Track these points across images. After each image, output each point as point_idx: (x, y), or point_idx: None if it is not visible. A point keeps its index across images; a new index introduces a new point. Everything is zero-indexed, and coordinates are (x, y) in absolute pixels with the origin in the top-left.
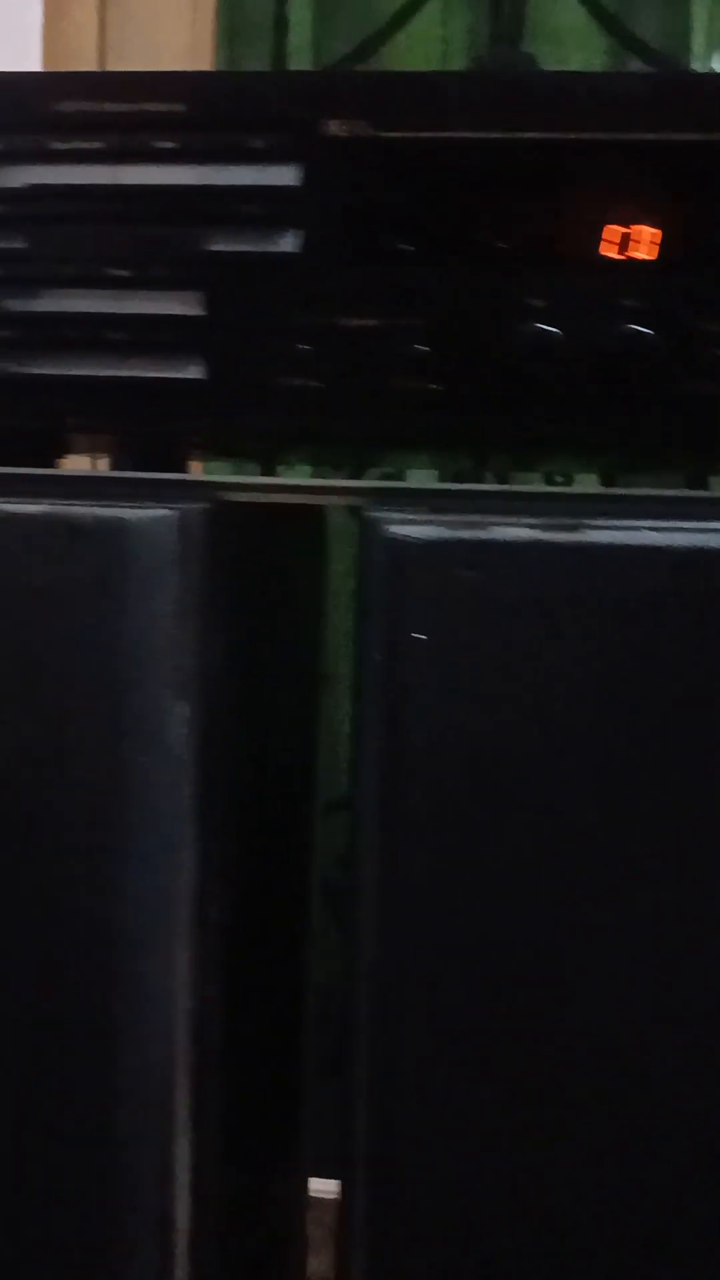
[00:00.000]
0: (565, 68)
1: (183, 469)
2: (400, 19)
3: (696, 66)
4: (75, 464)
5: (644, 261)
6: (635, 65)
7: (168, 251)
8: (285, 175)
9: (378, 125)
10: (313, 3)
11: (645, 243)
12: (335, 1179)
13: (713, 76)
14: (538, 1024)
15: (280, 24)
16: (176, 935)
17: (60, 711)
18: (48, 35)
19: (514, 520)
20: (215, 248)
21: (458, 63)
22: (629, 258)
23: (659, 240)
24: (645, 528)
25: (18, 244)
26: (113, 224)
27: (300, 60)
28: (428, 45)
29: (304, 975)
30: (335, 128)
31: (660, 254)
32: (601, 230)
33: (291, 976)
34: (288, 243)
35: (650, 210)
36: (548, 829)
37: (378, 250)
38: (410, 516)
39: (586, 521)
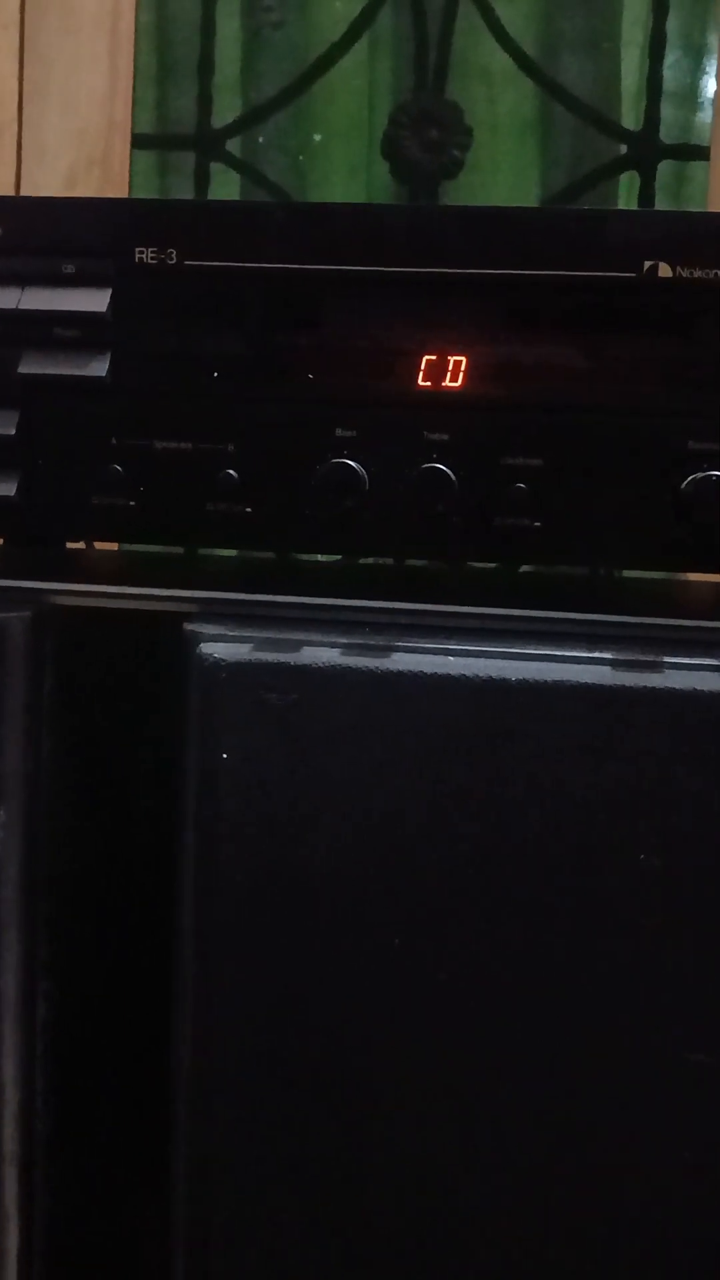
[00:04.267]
0: (495, 110)
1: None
2: (325, 62)
3: (626, 113)
4: None
5: (449, 397)
6: (561, 110)
7: None
8: (97, 300)
9: (185, 253)
10: (240, 44)
11: (451, 375)
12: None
13: (515, 211)
14: (341, 1130)
15: (206, 64)
16: (2, 1034)
17: None
18: None
19: (326, 640)
20: (28, 370)
21: (383, 106)
22: (436, 390)
23: (464, 374)
24: (450, 652)
25: None
26: None
27: (228, 101)
28: (353, 89)
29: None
30: (144, 255)
31: (465, 386)
32: (408, 361)
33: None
34: (99, 366)
35: (455, 343)
36: (356, 955)
37: (186, 377)
38: (225, 633)
39: (398, 644)
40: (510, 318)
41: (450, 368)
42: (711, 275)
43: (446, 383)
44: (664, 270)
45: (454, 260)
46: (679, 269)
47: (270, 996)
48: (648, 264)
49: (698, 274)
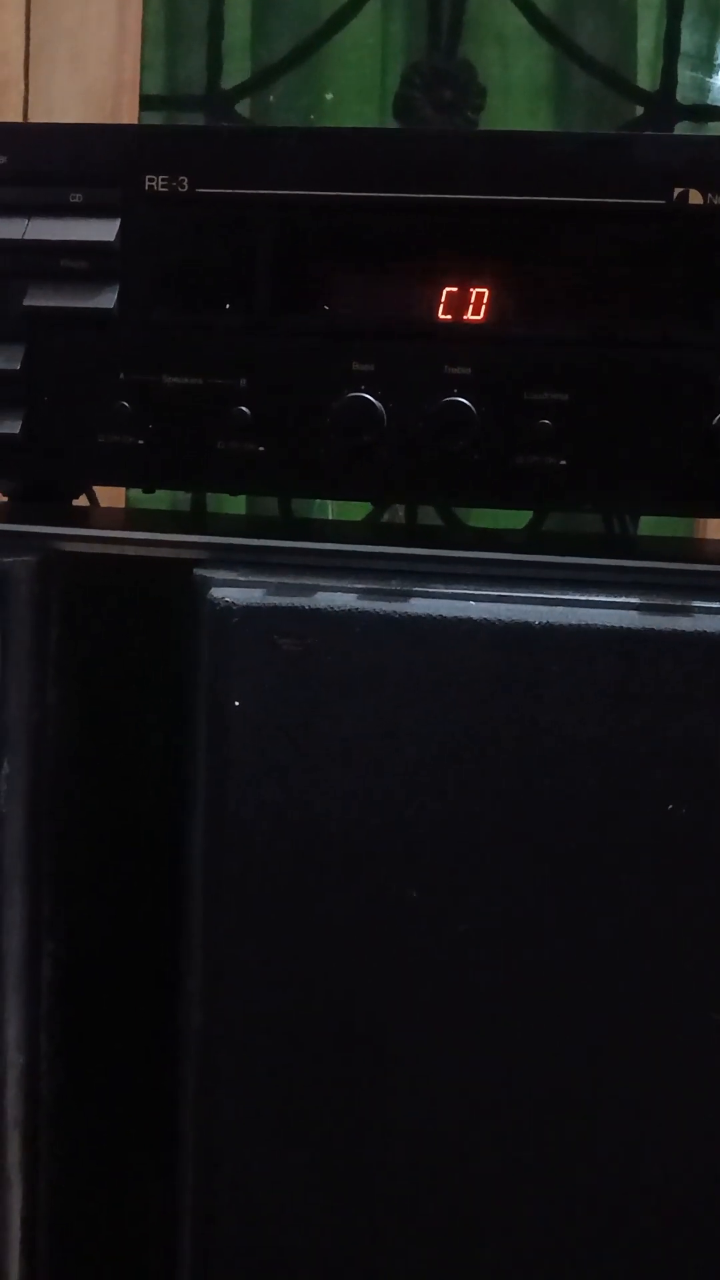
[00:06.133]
0: (509, 72)
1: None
2: (338, 22)
3: (642, 73)
4: None
5: (471, 330)
6: (576, 71)
7: None
8: (105, 230)
9: (197, 181)
10: (250, 3)
11: (473, 308)
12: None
13: (539, 136)
14: (354, 1091)
15: (215, 24)
16: (5, 995)
17: None
18: None
19: (342, 585)
20: (34, 302)
21: (395, 66)
22: (457, 323)
23: (486, 306)
24: (471, 597)
25: None
26: None
27: (238, 62)
28: (365, 49)
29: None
30: (154, 183)
31: (487, 319)
32: (428, 293)
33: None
34: (107, 298)
35: (478, 273)
36: (370, 908)
37: (197, 309)
38: (236, 578)
39: (416, 588)
40: (534, 247)
41: (472, 300)
42: None
43: (468, 315)
44: (694, 197)
45: (476, 187)
46: (710, 196)
47: (282, 952)
48: (678, 190)
49: None
